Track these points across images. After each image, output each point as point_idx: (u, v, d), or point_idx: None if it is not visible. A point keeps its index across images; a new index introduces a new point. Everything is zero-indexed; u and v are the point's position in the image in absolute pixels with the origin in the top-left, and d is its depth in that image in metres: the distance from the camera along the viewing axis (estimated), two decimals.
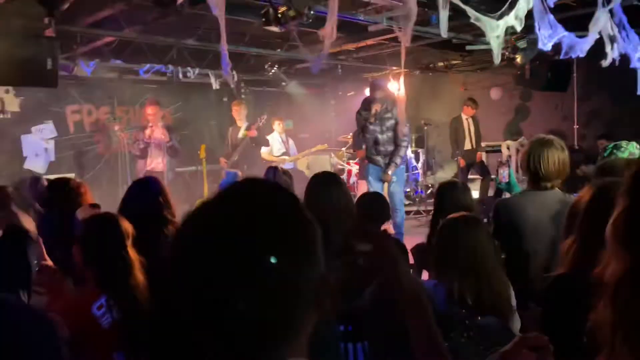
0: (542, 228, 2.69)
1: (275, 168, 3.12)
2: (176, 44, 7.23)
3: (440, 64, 8.97)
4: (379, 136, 6.22)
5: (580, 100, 8.34)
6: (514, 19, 3.25)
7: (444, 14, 2.84)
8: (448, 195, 3.02)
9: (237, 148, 7.46)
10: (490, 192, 8.56)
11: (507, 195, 3.47)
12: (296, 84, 9.97)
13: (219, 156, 7.82)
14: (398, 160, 6.25)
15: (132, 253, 2.17)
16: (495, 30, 3.26)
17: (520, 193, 3.10)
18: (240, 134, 7.53)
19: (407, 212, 7.50)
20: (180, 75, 8.10)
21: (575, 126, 8.46)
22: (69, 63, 6.97)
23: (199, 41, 7.05)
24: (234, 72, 8.66)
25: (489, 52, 8.44)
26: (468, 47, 7.10)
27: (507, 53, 6.87)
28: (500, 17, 3.33)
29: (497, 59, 3.56)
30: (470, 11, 3.13)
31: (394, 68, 9.89)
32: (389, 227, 3.01)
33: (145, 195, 2.56)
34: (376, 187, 6.23)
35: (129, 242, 2.19)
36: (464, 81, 9.82)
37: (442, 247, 2.03)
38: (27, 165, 7.99)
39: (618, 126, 7.83)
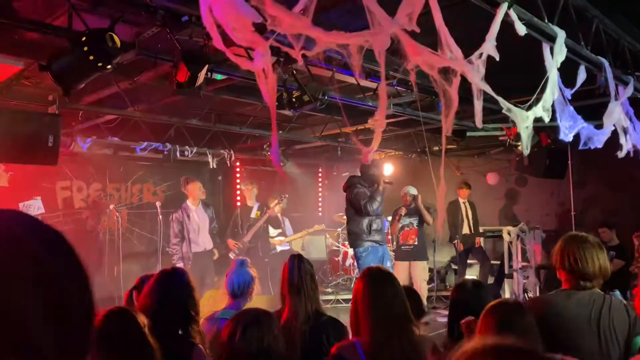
0: (583, 330, 2.51)
1: (300, 257, 2.93)
2: (176, 123, 7.19)
3: (436, 148, 9.05)
4: (377, 210, 6.17)
5: (577, 187, 8.40)
6: (542, 110, 3.24)
7: (478, 104, 2.79)
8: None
9: (252, 230, 7.34)
10: (490, 279, 8.39)
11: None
12: (292, 164, 9.95)
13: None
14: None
15: (153, 342, 1.95)
16: (525, 121, 3.24)
17: (558, 292, 2.89)
18: (253, 214, 7.41)
19: None
20: (178, 154, 7.99)
21: (572, 213, 8.45)
22: (66, 139, 6.82)
23: (201, 121, 7.03)
24: (232, 152, 8.64)
25: (484, 138, 8.69)
26: (469, 133, 7.18)
27: (509, 140, 7.00)
28: (528, 109, 3.32)
29: (526, 150, 3.52)
30: (502, 102, 3.11)
31: (390, 151, 10.01)
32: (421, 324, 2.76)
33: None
34: None
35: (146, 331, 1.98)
36: (458, 165, 9.90)
37: None
38: None
39: (617, 214, 7.85)
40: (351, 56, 2.25)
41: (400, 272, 7.23)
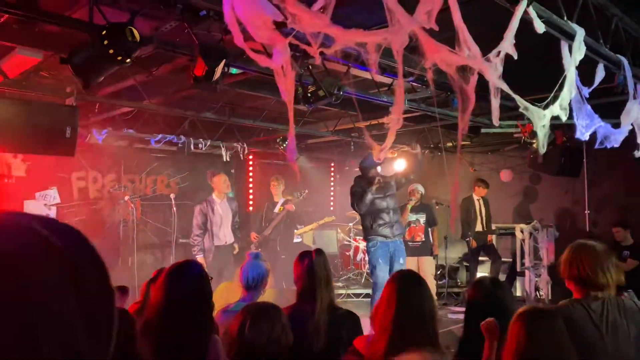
0: (599, 339, 2.46)
1: (322, 251, 2.96)
2: (191, 116, 7.24)
3: (449, 144, 9.02)
4: (383, 203, 6.05)
5: (591, 186, 8.34)
6: (559, 109, 3.22)
7: (495, 102, 2.78)
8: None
9: (272, 223, 7.38)
10: (501, 277, 8.36)
11: None
12: (304, 158, 9.98)
13: None
14: None
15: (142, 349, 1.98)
16: (542, 120, 3.22)
17: (570, 302, 2.71)
18: (277, 209, 7.47)
19: None
20: (192, 146, 8.05)
21: (587, 211, 8.39)
22: (83, 131, 6.90)
23: (215, 114, 7.07)
24: (245, 145, 8.68)
25: (498, 134, 8.64)
26: (483, 130, 7.15)
27: (524, 137, 6.96)
28: (545, 107, 3.30)
29: (542, 149, 3.50)
30: (519, 100, 3.09)
31: (404, 147, 9.98)
32: None
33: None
34: (385, 267, 6.00)
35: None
36: (472, 162, 9.85)
37: None
38: None
39: (632, 212, 7.77)
40: (369, 53, 2.26)
41: (410, 267, 7.29)
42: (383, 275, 5.87)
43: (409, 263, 7.35)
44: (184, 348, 2.15)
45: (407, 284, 2.19)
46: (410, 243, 7.50)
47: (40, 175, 7.79)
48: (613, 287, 2.50)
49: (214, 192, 7.09)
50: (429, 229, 7.78)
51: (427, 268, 7.42)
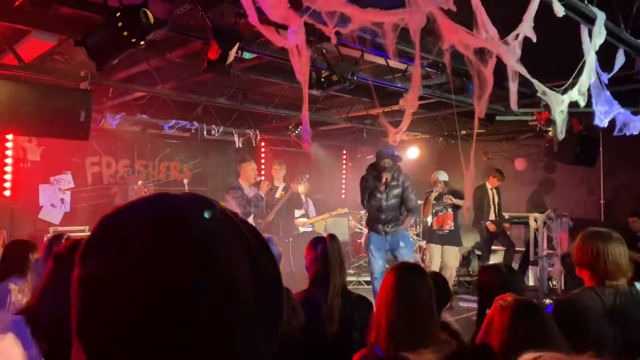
0: (610, 327, 2.42)
1: (330, 237, 2.95)
2: (204, 102, 7.23)
3: (464, 132, 8.93)
4: (384, 203, 6.12)
5: (607, 175, 8.22)
6: (577, 94, 3.15)
7: (513, 86, 2.73)
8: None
9: (274, 208, 7.35)
10: (514, 266, 8.31)
11: None
12: (316, 145, 9.95)
13: None
14: (414, 218, 6.12)
15: None
16: (560, 105, 3.16)
17: (582, 290, 2.74)
18: (278, 193, 7.43)
19: None
20: (205, 133, 8.05)
21: (602, 201, 8.30)
22: (97, 115, 6.93)
23: (228, 100, 7.05)
24: (257, 132, 8.67)
25: (513, 122, 8.54)
26: (499, 118, 7.06)
27: (539, 125, 6.87)
28: (564, 92, 3.24)
29: (560, 135, 3.44)
30: (537, 84, 3.03)
31: (417, 134, 9.91)
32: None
33: None
34: (378, 256, 6.12)
35: None
36: (486, 150, 9.76)
37: None
38: (42, 215, 7.81)
39: None
40: (385, 35, 2.22)
41: (434, 255, 7.30)
42: (375, 265, 6.09)
43: (434, 251, 7.34)
44: None
45: (403, 278, 2.14)
46: (438, 231, 7.41)
47: (54, 160, 7.87)
48: (625, 276, 2.46)
49: (241, 178, 6.79)
50: (457, 217, 7.55)
51: (449, 258, 7.30)
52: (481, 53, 2.53)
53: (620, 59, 3.73)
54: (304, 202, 8.17)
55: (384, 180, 6.05)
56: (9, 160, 7.38)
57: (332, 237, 2.90)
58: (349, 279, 8.49)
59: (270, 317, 0.59)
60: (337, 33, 2.22)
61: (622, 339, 2.38)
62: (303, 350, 2.39)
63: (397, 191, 6.16)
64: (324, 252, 2.87)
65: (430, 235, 7.54)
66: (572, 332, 2.45)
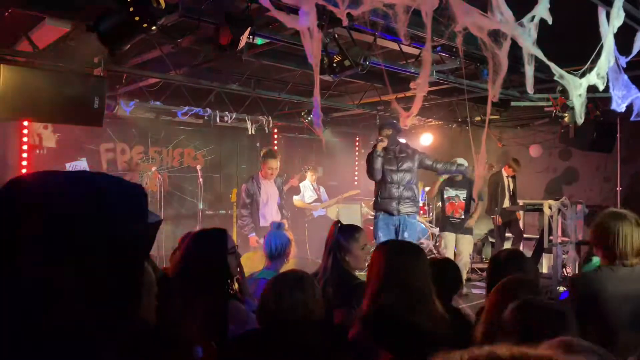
0: (625, 307, 2.42)
1: (342, 223, 2.96)
2: (217, 88, 7.23)
3: (478, 118, 8.84)
4: (393, 176, 5.74)
5: (624, 162, 8.10)
6: (596, 78, 3.09)
7: (529, 70, 2.69)
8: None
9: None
10: (528, 253, 8.25)
11: None
12: (329, 132, 9.92)
13: None
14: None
15: None
16: (578, 89, 3.10)
17: (599, 269, 2.76)
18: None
19: None
20: (218, 119, 8.06)
21: (618, 188, 8.18)
22: (111, 102, 6.97)
23: (240, 87, 7.05)
24: (269, 118, 8.66)
25: (528, 108, 8.42)
26: (513, 103, 6.97)
27: (555, 111, 6.77)
28: (582, 76, 3.18)
29: (579, 119, 3.38)
30: (554, 68, 2.98)
31: (430, 121, 9.84)
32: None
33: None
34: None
35: None
36: (500, 136, 9.66)
37: None
38: None
39: None
40: (397, 16, 2.19)
41: (449, 242, 7.13)
42: None
43: (448, 238, 7.22)
44: (205, 314, 2.16)
45: (393, 255, 2.13)
46: (450, 219, 7.25)
47: (70, 146, 7.94)
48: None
49: (261, 171, 6.64)
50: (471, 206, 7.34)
51: (463, 246, 7.14)
52: (495, 36, 2.49)
53: (638, 42, 3.64)
54: (301, 190, 8.41)
55: (382, 144, 5.73)
56: (25, 147, 7.46)
57: (337, 224, 2.88)
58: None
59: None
60: (349, 15, 2.20)
61: (629, 317, 2.39)
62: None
63: (408, 165, 5.80)
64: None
65: (443, 222, 7.46)
66: (587, 307, 2.46)
